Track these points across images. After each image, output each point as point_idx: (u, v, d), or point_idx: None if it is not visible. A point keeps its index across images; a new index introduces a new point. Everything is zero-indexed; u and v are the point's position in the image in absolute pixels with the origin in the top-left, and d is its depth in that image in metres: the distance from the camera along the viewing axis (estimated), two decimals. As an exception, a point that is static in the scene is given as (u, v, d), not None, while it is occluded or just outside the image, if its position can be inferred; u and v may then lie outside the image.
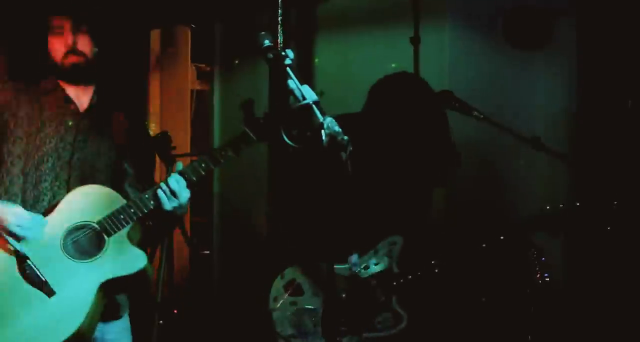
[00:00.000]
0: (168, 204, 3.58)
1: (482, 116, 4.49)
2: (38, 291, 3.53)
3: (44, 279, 3.53)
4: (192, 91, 7.41)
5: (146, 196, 3.59)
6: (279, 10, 5.90)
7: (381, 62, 5.16)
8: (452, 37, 5.42)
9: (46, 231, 3.58)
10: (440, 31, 5.43)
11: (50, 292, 3.53)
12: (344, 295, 4.47)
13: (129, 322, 3.90)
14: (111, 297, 3.69)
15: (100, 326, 3.66)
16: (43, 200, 3.68)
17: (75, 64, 3.74)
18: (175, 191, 3.56)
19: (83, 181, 3.69)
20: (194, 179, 3.60)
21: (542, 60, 5.32)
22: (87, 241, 3.59)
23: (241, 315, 5.91)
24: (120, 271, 3.59)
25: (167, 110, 7.49)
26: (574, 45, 5.27)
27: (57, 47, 3.75)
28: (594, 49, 5.19)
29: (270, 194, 5.88)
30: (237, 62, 6.39)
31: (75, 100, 3.80)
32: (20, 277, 3.53)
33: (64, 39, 3.75)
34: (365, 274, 4.49)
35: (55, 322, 3.51)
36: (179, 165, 3.63)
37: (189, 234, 6.59)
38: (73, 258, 3.56)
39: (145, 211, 3.60)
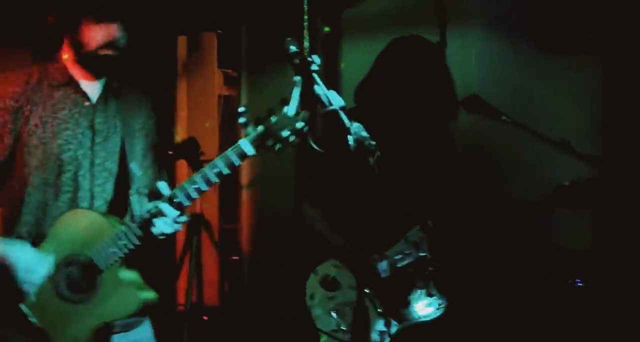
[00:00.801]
0: (159, 236, 3.43)
1: (510, 120, 4.47)
2: (31, 336, 3.38)
3: (38, 326, 3.38)
4: (219, 96, 7.41)
5: (135, 228, 3.40)
6: (305, 16, 5.90)
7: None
8: (479, 41, 5.41)
9: (37, 266, 3.39)
10: (466, 35, 5.41)
11: (44, 338, 3.38)
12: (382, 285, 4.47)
13: (150, 331, 3.74)
14: (110, 331, 3.50)
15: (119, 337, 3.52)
16: (64, 212, 3.49)
17: (110, 57, 3.54)
18: (165, 225, 3.39)
19: (106, 188, 3.56)
20: (189, 204, 3.41)
21: (571, 64, 5.29)
22: (79, 277, 3.42)
23: (274, 320, 5.91)
24: (112, 315, 3.42)
25: (194, 115, 7.50)
26: (604, 49, 5.23)
27: (96, 35, 3.51)
28: (624, 53, 5.16)
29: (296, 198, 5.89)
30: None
31: (88, 93, 3.63)
32: (13, 325, 3.39)
33: (109, 29, 3.52)
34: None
35: None
36: (161, 186, 3.40)
37: (217, 241, 6.60)
38: (65, 299, 3.40)
39: (138, 243, 3.41)
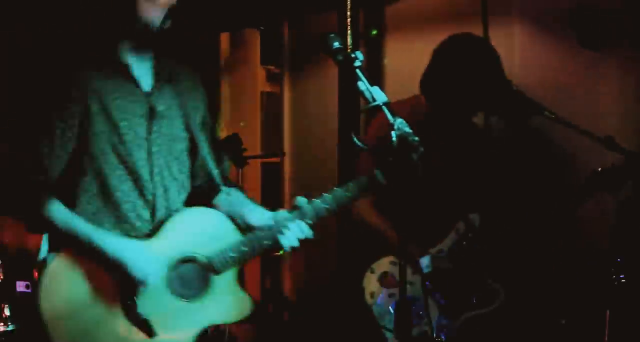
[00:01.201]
0: (287, 248, 3.42)
1: (553, 116, 4.46)
2: (136, 329, 3.33)
3: (143, 318, 3.32)
4: (261, 93, 7.44)
5: (264, 238, 3.40)
6: (348, 12, 5.91)
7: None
8: (521, 36, 5.39)
9: (150, 259, 3.35)
10: (509, 31, 5.39)
11: (150, 333, 3.33)
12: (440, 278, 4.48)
13: None
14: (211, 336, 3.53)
15: None
16: (127, 202, 3.42)
17: (171, 31, 3.43)
18: (299, 239, 3.42)
19: (165, 175, 3.48)
20: (316, 221, 3.45)
21: (614, 60, 5.25)
22: (192, 277, 3.40)
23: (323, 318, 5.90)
24: (225, 317, 3.44)
25: (237, 112, 7.53)
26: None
27: (155, 7, 3.40)
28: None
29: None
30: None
31: (141, 79, 3.51)
32: (120, 309, 3.33)
33: None
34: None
35: None
36: (301, 200, 3.47)
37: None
38: (177, 295, 3.37)
39: (261, 253, 3.43)
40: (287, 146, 7.01)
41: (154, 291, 3.34)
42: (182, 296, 3.38)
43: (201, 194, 3.66)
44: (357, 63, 3.15)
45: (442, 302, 4.50)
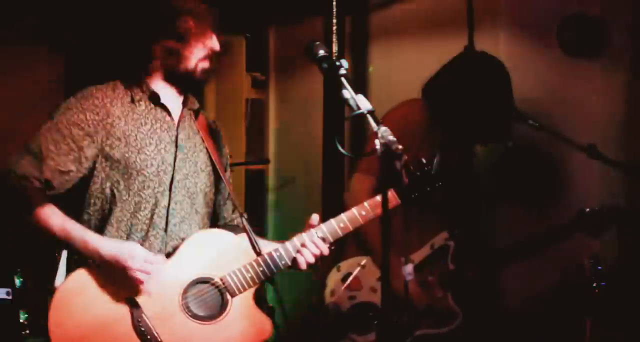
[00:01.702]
0: (305, 268, 3.44)
1: (537, 124, 4.47)
2: None
3: (159, 340, 3.28)
4: (246, 100, 7.44)
5: (280, 257, 3.40)
6: (334, 19, 5.90)
7: (436, 71, 5.13)
8: (506, 44, 5.40)
9: (165, 282, 3.31)
10: (494, 39, 5.40)
11: None
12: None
13: None
14: None
15: None
16: (142, 229, 3.41)
17: (209, 70, 3.53)
18: (315, 255, 3.43)
19: (183, 206, 3.47)
20: (332, 240, 3.48)
21: (598, 68, 5.27)
22: (209, 299, 3.36)
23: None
24: (245, 339, 3.36)
25: (222, 119, 7.52)
26: (630, 51, 5.21)
27: (198, 48, 3.47)
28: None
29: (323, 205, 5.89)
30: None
31: (170, 108, 3.53)
32: (133, 331, 3.27)
33: (210, 39, 3.50)
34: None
35: None
36: (315, 218, 3.49)
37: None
38: (192, 317, 3.31)
39: (276, 271, 3.42)
40: (271, 153, 7.00)
41: (168, 314, 3.30)
42: (198, 318, 3.34)
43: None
44: (342, 71, 3.14)
45: (398, 315, 4.48)
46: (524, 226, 5.14)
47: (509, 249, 4.63)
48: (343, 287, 4.50)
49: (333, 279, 4.55)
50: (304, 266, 3.44)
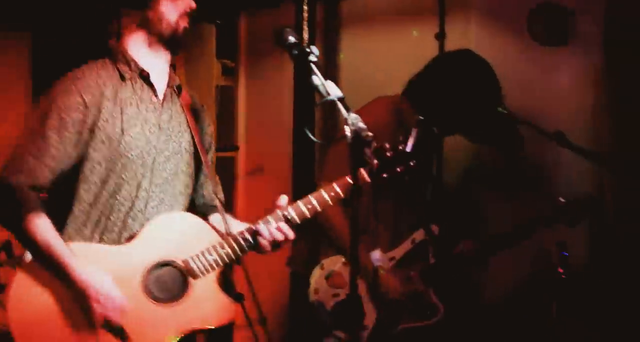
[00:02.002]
0: (269, 249, 3.40)
1: (506, 112, 4.48)
2: (112, 336, 3.24)
3: (119, 325, 3.24)
4: (216, 87, 7.40)
5: (243, 239, 3.37)
6: (305, 6, 5.88)
7: (406, 58, 5.14)
8: (477, 33, 5.41)
9: (127, 263, 3.28)
10: (465, 27, 5.41)
11: (125, 340, 3.24)
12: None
13: None
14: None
15: None
16: (120, 211, 3.36)
17: (187, 29, 3.47)
18: (278, 239, 3.40)
19: (164, 188, 3.44)
20: (299, 223, 3.44)
21: (567, 56, 5.30)
22: (170, 281, 3.33)
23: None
24: (204, 323, 3.34)
25: (192, 106, 7.49)
26: (598, 40, 5.24)
27: (177, 5, 3.44)
28: (618, 44, 5.16)
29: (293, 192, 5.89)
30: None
31: (156, 87, 3.48)
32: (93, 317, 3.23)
33: None
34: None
35: None
36: (283, 200, 3.46)
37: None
38: (153, 299, 3.29)
39: (240, 255, 3.39)
40: (241, 140, 6.98)
41: (129, 296, 3.26)
42: (159, 301, 3.31)
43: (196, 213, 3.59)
44: (313, 58, 3.13)
45: (381, 309, 4.49)
46: (497, 218, 5.17)
47: (490, 241, 4.64)
48: (326, 285, 4.50)
49: (316, 276, 4.55)
50: (268, 249, 3.40)
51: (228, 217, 3.55)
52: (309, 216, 3.44)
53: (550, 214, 4.51)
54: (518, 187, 5.32)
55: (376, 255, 4.37)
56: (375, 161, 3.21)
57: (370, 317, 4.47)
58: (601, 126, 5.21)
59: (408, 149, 3.44)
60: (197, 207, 3.69)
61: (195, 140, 3.55)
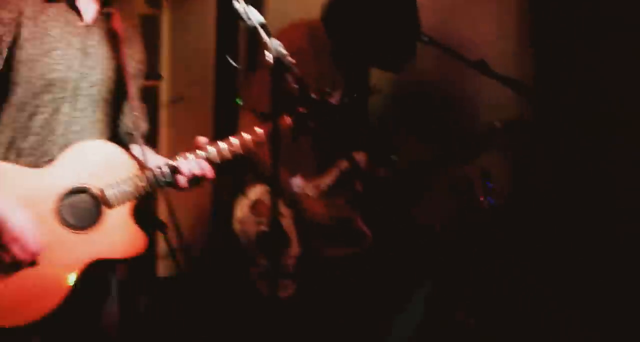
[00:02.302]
0: (186, 186, 3.37)
1: (427, 39, 4.49)
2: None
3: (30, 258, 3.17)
4: (139, 16, 7.30)
5: (161, 173, 3.33)
6: None
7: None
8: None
9: (40, 187, 3.22)
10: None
11: (33, 265, 3.18)
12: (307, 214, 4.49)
13: (117, 300, 3.55)
14: (99, 274, 3.38)
15: (87, 303, 3.36)
16: (38, 134, 3.29)
17: None
18: (197, 175, 3.37)
19: (86, 114, 3.38)
20: (219, 162, 3.41)
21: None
22: (84, 208, 3.26)
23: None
24: (115, 252, 3.29)
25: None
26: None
27: None
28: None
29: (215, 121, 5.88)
30: None
31: (83, 10, 3.39)
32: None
33: None
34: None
35: (31, 297, 3.18)
36: (203, 140, 3.42)
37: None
38: (64, 225, 3.23)
39: (157, 188, 3.35)
40: (164, 69, 6.92)
41: (40, 220, 3.22)
42: (70, 227, 3.26)
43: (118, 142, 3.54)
44: (234, -17, 3.10)
45: (307, 237, 4.53)
46: (429, 148, 5.20)
47: (421, 170, 4.67)
48: (250, 214, 4.50)
49: (241, 206, 4.56)
50: (185, 185, 3.38)
51: (148, 149, 3.50)
52: (229, 157, 3.42)
53: (483, 139, 4.53)
54: (440, 117, 5.34)
55: (297, 181, 4.38)
56: (296, 87, 3.18)
57: (296, 245, 4.49)
58: (523, 55, 5.25)
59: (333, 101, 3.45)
60: (120, 137, 3.63)
61: (123, 68, 3.49)
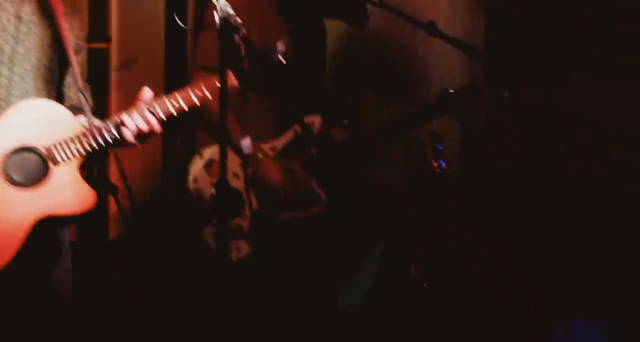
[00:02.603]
0: (133, 141, 3.31)
1: (378, 1, 4.48)
2: None
3: None
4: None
5: (106, 129, 3.26)
6: None
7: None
8: None
9: None
10: None
11: None
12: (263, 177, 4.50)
13: (70, 261, 3.49)
14: (50, 234, 3.35)
15: (37, 266, 3.32)
16: None
17: None
18: (143, 130, 3.30)
19: (26, 79, 3.32)
20: (164, 119, 3.33)
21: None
22: (30, 166, 3.21)
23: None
24: (63, 208, 3.24)
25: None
26: None
27: None
28: None
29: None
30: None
31: None
32: None
33: None
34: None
35: None
36: (147, 93, 3.34)
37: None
38: (10, 182, 3.19)
39: (103, 145, 3.27)
40: (114, 31, 6.85)
41: None
42: (17, 184, 3.22)
43: None
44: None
45: (262, 200, 4.54)
46: (383, 111, 5.21)
47: (374, 134, 4.68)
48: (205, 174, 4.49)
49: (196, 166, 4.55)
50: (132, 140, 3.32)
51: (94, 119, 3.45)
52: (174, 114, 3.35)
53: (437, 104, 4.54)
54: (392, 80, 5.35)
55: (246, 143, 4.38)
56: (243, 47, 3.17)
57: (251, 206, 4.51)
58: (475, 18, 5.26)
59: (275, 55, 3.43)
60: (67, 106, 3.60)
61: (63, 39, 3.41)
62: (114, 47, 6.75)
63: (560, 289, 4.79)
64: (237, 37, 3.04)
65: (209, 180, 4.49)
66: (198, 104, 3.36)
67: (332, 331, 4.83)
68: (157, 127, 3.34)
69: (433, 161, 4.60)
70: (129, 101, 3.47)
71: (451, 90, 4.52)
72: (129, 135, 3.31)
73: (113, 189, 5.46)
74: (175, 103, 3.34)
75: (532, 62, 4.97)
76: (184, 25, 3.31)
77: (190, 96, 3.36)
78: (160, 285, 5.38)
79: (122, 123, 3.29)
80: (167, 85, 5.80)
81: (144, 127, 3.31)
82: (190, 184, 4.52)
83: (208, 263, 4.55)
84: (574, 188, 4.89)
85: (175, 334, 4.84)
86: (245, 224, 4.47)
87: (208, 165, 4.51)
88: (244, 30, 3.03)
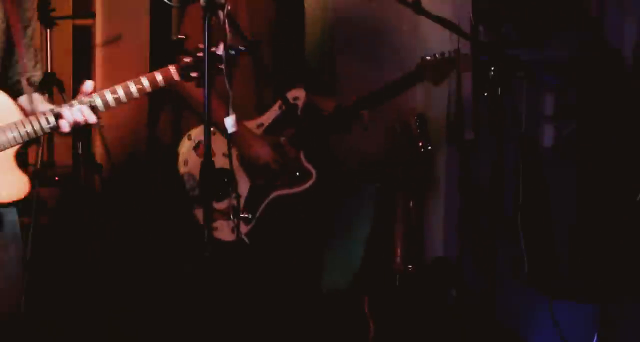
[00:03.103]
0: (68, 130, 3.32)
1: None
2: None
3: None
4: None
5: (46, 118, 3.29)
6: None
7: None
8: None
9: None
10: None
11: None
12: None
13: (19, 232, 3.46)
14: None
15: None
16: None
17: None
18: (79, 122, 3.31)
19: None
20: (104, 110, 3.36)
21: None
22: None
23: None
24: None
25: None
26: None
27: None
28: None
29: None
30: None
31: None
32: None
33: None
34: None
35: None
36: (88, 85, 3.36)
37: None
38: None
39: (41, 134, 3.31)
40: (98, 7, 6.81)
41: None
42: None
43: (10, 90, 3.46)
44: None
45: (253, 178, 4.52)
46: (364, 82, 5.18)
47: (354, 104, 4.65)
48: (195, 156, 4.47)
49: (185, 147, 4.53)
50: (67, 130, 3.32)
51: (37, 97, 3.48)
52: (114, 106, 3.37)
53: (415, 71, 4.53)
54: (377, 53, 5.33)
55: (229, 121, 4.34)
56: (228, 27, 3.15)
57: (244, 185, 4.50)
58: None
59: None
60: (11, 84, 3.54)
61: (9, 15, 3.40)
62: (98, 23, 6.72)
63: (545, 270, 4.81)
64: (221, 14, 3.02)
65: (199, 161, 4.46)
66: (138, 96, 3.37)
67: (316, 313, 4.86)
68: (92, 117, 3.34)
69: (419, 141, 4.60)
70: (114, 78, 3.46)
71: (428, 57, 4.50)
72: (65, 126, 3.32)
73: (98, 168, 5.45)
74: (115, 95, 3.34)
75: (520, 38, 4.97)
76: (169, 1, 3.26)
77: (129, 88, 3.36)
78: (150, 270, 5.39)
79: (60, 115, 3.31)
80: (152, 62, 5.77)
81: (80, 120, 3.32)
82: (181, 167, 4.50)
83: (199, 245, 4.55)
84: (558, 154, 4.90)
85: (165, 314, 4.85)
86: (238, 203, 4.46)
87: (197, 146, 4.49)
88: (228, 7, 3.01)
